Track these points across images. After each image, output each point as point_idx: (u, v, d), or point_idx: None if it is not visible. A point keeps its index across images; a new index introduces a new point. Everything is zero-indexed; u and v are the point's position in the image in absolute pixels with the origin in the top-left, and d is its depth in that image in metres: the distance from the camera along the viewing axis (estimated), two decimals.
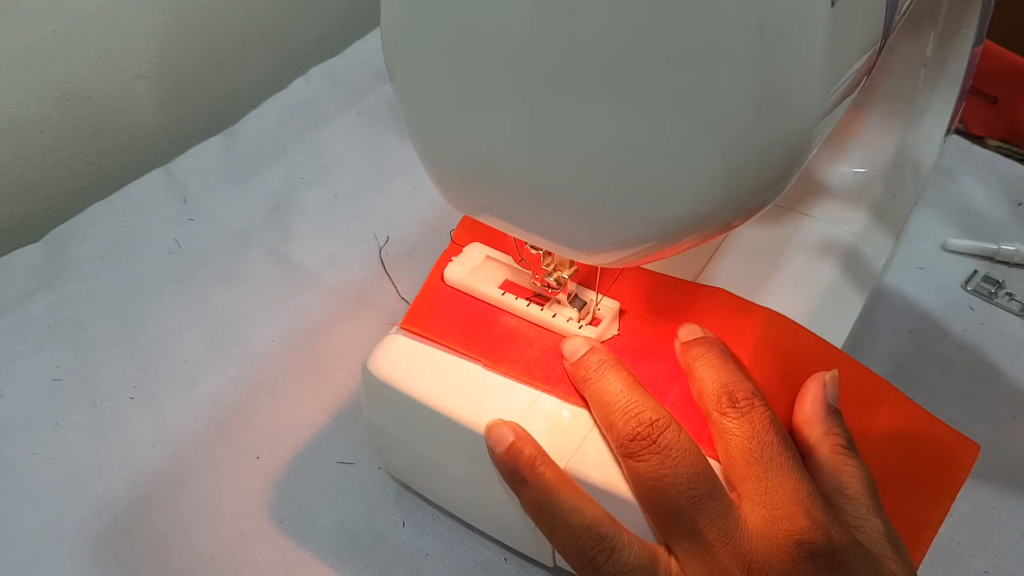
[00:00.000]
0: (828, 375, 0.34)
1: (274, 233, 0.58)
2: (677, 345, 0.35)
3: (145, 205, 0.60)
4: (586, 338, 0.36)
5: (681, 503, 0.30)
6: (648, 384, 0.34)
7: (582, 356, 0.35)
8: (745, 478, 0.31)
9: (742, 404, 0.32)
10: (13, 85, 0.58)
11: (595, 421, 0.34)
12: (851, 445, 0.33)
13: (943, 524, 0.34)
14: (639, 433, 0.31)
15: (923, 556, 0.34)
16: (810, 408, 0.33)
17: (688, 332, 0.35)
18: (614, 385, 0.33)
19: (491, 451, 0.34)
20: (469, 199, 0.32)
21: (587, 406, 0.35)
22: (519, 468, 0.33)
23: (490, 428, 0.34)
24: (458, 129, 0.29)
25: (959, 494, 0.35)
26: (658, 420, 0.31)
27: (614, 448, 0.33)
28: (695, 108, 0.24)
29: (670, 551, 0.31)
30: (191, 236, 0.58)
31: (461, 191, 0.32)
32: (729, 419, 0.32)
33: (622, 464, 0.33)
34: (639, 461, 0.31)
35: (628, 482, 0.32)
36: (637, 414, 0.32)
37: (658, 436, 0.31)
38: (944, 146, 0.49)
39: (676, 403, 0.34)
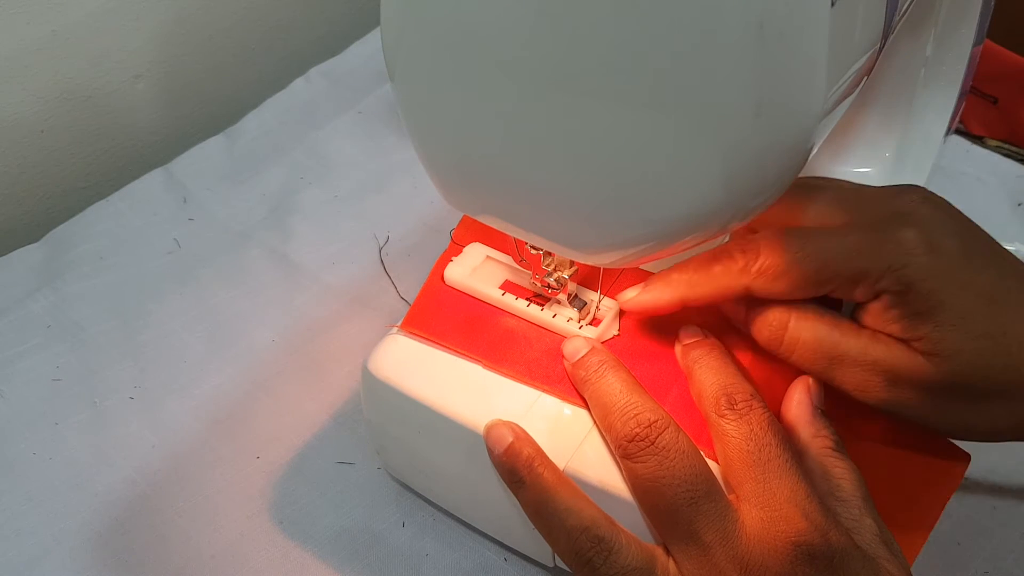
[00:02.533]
0: (812, 378, 0.34)
1: (274, 233, 0.58)
2: (677, 347, 0.36)
3: (145, 205, 0.60)
4: (586, 339, 0.36)
5: (679, 504, 0.30)
6: (648, 385, 0.34)
7: (582, 357, 0.35)
8: (743, 480, 0.31)
9: (740, 406, 0.32)
10: (13, 85, 0.58)
11: (594, 422, 0.34)
12: (840, 446, 0.33)
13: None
14: (637, 434, 0.31)
15: (911, 564, 0.34)
16: (796, 412, 0.34)
17: (688, 334, 0.35)
18: (613, 386, 0.33)
19: (490, 452, 0.34)
20: (469, 199, 0.32)
21: (587, 406, 0.35)
22: (517, 469, 0.33)
23: (489, 429, 0.34)
24: (458, 129, 0.29)
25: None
26: (657, 421, 0.31)
27: (613, 449, 0.33)
28: (695, 108, 0.24)
29: (668, 552, 0.31)
30: (191, 236, 0.58)
31: (461, 191, 0.32)
32: (727, 421, 0.32)
33: (620, 465, 0.33)
34: (637, 462, 0.31)
35: (626, 483, 0.32)
36: (636, 415, 0.32)
37: (656, 437, 0.31)
38: (944, 146, 0.49)
39: (676, 404, 0.34)
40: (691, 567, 0.30)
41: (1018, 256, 0.54)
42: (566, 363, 0.35)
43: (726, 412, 0.32)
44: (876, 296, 0.31)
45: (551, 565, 0.38)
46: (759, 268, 0.32)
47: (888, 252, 0.31)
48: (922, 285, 0.30)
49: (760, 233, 0.33)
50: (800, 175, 0.28)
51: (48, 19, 0.58)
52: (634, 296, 0.35)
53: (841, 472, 0.32)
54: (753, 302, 0.34)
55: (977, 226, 0.33)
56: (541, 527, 0.33)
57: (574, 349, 0.35)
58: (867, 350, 0.32)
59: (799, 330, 0.33)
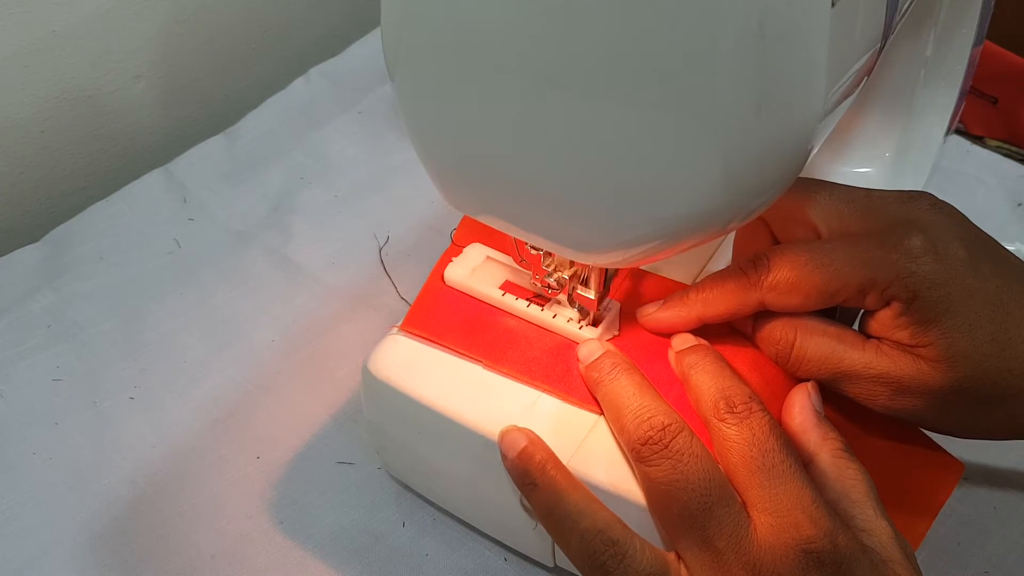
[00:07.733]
0: (810, 384, 0.34)
1: (274, 233, 0.58)
2: (671, 354, 0.35)
3: (145, 205, 0.60)
4: (601, 342, 0.36)
5: (692, 510, 0.30)
6: None
7: (596, 359, 0.35)
8: (748, 486, 0.31)
9: (740, 409, 0.32)
10: (13, 85, 0.58)
11: (608, 423, 0.34)
12: (848, 448, 0.33)
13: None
14: (651, 437, 0.31)
15: None
16: (801, 418, 0.34)
17: (682, 341, 0.35)
18: (626, 388, 0.33)
19: (503, 456, 0.34)
20: (469, 199, 0.32)
21: (588, 406, 0.35)
22: (530, 471, 0.33)
23: (503, 434, 0.34)
24: (458, 129, 0.29)
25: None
26: (670, 425, 0.31)
27: (626, 452, 0.33)
28: (696, 108, 0.24)
29: (679, 557, 0.31)
30: (191, 236, 0.58)
31: (461, 191, 0.32)
32: (728, 425, 0.32)
33: (634, 468, 0.33)
34: (651, 466, 0.31)
35: (640, 486, 0.32)
36: (648, 418, 0.32)
37: (670, 441, 0.31)
38: (944, 146, 0.49)
39: (677, 404, 0.34)
40: (703, 573, 0.30)
41: (1019, 256, 0.54)
42: (580, 366, 0.35)
43: (726, 416, 0.32)
44: (887, 303, 0.32)
45: (551, 565, 0.38)
46: (771, 283, 0.33)
47: (896, 260, 0.31)
48: (929, 292, 0.31)
49: (771, 248, 0.33)
50: (800, 175, 0.28)
51: (48, 19, 0.58)
52: (653, 313, 0.36)
53: (853, 474, 0.32)
54: (760, 318, 0.34)
55: (984, 233, 0.34)
56: (553, 530, 0.33)
57: (588, 352, 0.35)
58: (872, 364, 0.32)
59: (804, 348, 0.33)
